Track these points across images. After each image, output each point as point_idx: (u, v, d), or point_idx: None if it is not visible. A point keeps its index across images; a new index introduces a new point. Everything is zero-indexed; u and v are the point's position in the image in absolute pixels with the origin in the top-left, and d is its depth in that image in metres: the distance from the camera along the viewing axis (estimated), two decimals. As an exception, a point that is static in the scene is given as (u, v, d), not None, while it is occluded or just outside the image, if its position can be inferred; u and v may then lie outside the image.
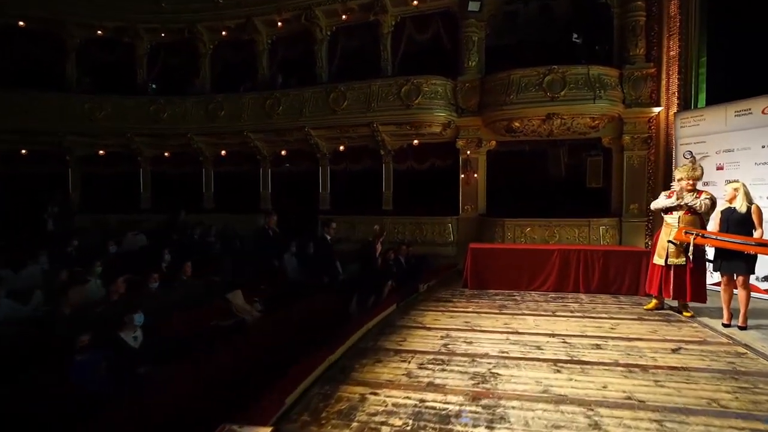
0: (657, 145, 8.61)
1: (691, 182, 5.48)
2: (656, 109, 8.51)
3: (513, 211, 9.26)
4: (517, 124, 8.79)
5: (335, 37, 10.63)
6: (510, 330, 4.94)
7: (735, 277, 5.02)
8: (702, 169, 5.61)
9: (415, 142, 9.65)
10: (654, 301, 5.90)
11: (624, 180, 8.76)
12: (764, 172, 6.54)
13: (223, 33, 11.37)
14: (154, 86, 11.75)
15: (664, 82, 8.49)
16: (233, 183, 11.96)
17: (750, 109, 6.75)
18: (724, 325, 5.06)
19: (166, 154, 11.70)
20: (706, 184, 7.31)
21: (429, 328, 5.01)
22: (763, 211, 4.99)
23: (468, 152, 9.45)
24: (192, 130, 11.04)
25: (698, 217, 5.48)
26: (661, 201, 5.70)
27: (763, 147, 6.58)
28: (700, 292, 5.51)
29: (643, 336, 4.69)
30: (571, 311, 5.93)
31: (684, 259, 5.45)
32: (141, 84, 11.82)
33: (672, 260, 5.56)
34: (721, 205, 5.23)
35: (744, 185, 5.06)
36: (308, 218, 10.54)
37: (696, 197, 5.40)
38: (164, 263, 6.87)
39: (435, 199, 10.00)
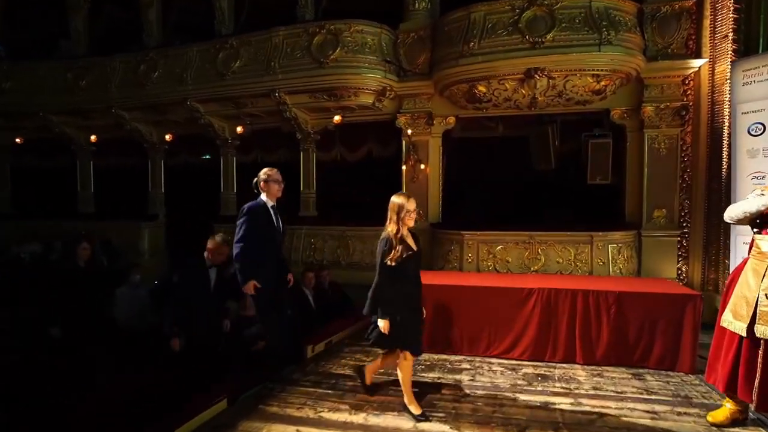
0: (697, 119, 5.60)
1: None
2: (696, 63, 5.50)
3: (478, 220, 6.28)
4: (482, 88, 5.78)
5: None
6: None
7: None
8: None
9: (337, 119, 6.62)
10: (727, 405, 2.97)
11: (645, 174, 5.76)
12: None
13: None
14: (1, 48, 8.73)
15: (708, 21, 5.48)
16: (117, 180, 8.99)
17: None
18: None
19: (18, 140, 8.68)
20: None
21: None
22: None
23: (411, 133, 6.44)
24: (46, 107, 8.04)
25: None
26: (753, 203, 2.79)
27: None
28: None
29: None
30: (559, 419, 3.03)
31: None
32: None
33: (765, 330, 2.66)
34: None
35: None
36: (205, 228, 7.58)
37: None
38: None
39: (371, 201, 7.00)
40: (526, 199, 6.51)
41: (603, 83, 5.52)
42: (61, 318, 4.35)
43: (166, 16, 8.24)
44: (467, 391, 3.59)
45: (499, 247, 5.73)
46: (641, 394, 3.56)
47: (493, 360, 4.25)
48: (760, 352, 2.66)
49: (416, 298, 3.22)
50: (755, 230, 2.81)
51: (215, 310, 4.04)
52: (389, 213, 3.01)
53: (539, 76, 5.38)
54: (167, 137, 7.93)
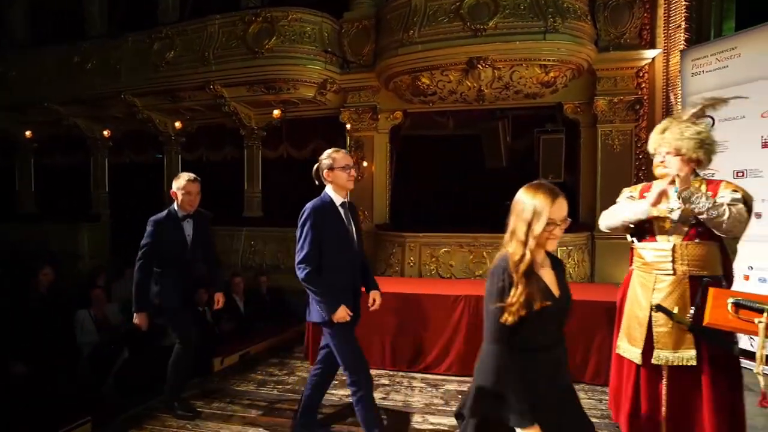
0: (652, 113, 5.25)
1: (689, 159, 2.19)
2: (650, 53, 5.17)
3: (427, 221, 5.90)
4: (425, 80, 5.41)
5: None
6: None
7: None
8: (707, 127, 2.27)
9: (276, 113, 6.19)
10: None
11: (599, 171, 5.40)
12: None
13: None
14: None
15: (662, 10, 5.16)
16: (59, 179, 8.51)
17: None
18: None
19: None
20: (739, 175, 4.03)
21: None
22: None
23: (351, 128, 6.04)
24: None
25: (717, 246, 2.23)
26: (626, 208, 2.40)
27: None
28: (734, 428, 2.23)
29: None
30: None
31: (694, 351, 2.16)
32: None
33: (665, 355, 2.26)
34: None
35: None
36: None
37: (705, 195, 2.12)
38: None
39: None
40: (477, 199, 6.13)
41: (552, 75, 5.17)
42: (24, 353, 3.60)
43: (111, 7, 7.82)
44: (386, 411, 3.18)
45: (443, 250, 5.33)
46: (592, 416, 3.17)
47: (417, 375, 3.84)
48: (663, 384, 2.26)
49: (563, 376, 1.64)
50: (632, 239, 2.42)
51: (192, 278, 3.15)
52: (512, 221, 1.53)
53: (482, 66, 5.01)
54: (105, 133, 7.46)
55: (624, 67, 5.29)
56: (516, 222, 1.49)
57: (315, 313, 2.49)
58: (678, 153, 2.20)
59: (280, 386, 3.65)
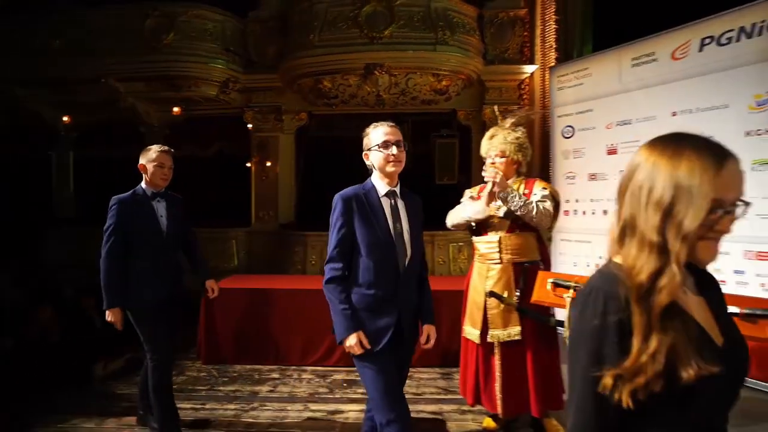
0: (531, 122, 5.86)
1: (511, 161, 2.60)
2: (529, 69, 5.76)
3: (326, 221, 6.05)
4: (327, 83, 5.58)
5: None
6: None
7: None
8: (523, 134, 2.72)
9: (176, 110, 6.06)
10: (488, 419, 2.90)
11: (487, 174, 5.89)
12: (679, 155, 3.85)
13: None
14: None
15: (539, 30, 5.77)
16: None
17: (653, 54, 4.07)
18: None
19: None
20: (593, 177, 4.61)
21: None
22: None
23: (253, 128, 6.06)
24: None
25: (534, 236, 2.65)
26: (467, 208, 2.73)
27: (675, 114, 3.91)
28: (553, 392, 2.62)
29: None
30: (336, 428, 2.78)
31: (519, 328, 2.53)
32: None
33: (496, 333, 2.62)
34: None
35: None
36: (31, 231, 6.56)
37: (518, 194, 2.50)
38: None
39: (222, 201, 6.52)
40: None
41: (444, 83, 5.57)
42: None
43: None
44: (255, 404, 3.26)
45: (344, 248, 5.52)
46: (439, 394, 3.48)
47: (308, 368, 3.98)
48: (495, 358, 2.62)
49: None
50: (472, 233, 2.79)
51: (171, 271, 2.61)
52: (624, 207, 0.81)
53: (379, 72, 5.28)
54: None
55: (508, 79, 5.84)
56: (634, 208, 0.78)
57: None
58: (503, 155, 2.58)
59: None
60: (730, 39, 3.54)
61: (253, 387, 3.58)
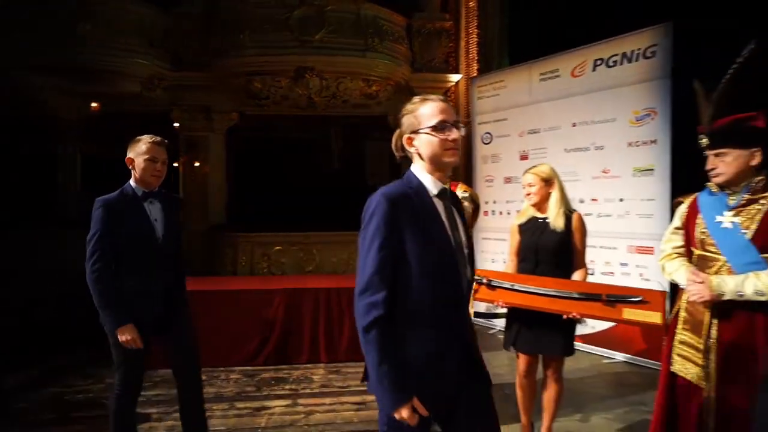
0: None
1: None
2: (454, 78, 6.14)
3: (262, 221, 6.05)
4: (257, 84, 5.58)
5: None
6: None
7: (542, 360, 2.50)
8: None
9: (94, 105, 5.77)
10: None
11: (416, 176, 6.19)
12: (577, 163, 4.35)
13: None
14: None
15: (463, 42, 6.16)
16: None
17: (557, 71, 4.55)
18: None
19: None
20: (507, 181, 5.02)
21: None
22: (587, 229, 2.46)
23: (180, 126, 5.93)
24: None
25: None
26: None
27: (574, 125, 4.40)
28: None
29: None
30: (262, 424, 2.78)
31: None
32: None
33: None
34: (521, 215, 2.58)
35: (557, 174, 2.50)
36: None
37: None
38: None
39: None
40: (312, 200, 6.50)
41: (374, 88, 5.78)
42: None
43: None
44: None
45: (276, 248, 5.57)
46: (364, 386, 3.66)
47: (236, 368, 4.00)
48: None
49: None
50: None
51: (169, 282, 2.23)
52: None
53: (310, 75, 5.39)
54: None
55: (435, 87, 6.15)
56: None
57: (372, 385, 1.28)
58: None
59: (81, 395, 3.47)
60: (615, 62, 4.06)
61: (175, 390, 3.54)
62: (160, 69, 5.72)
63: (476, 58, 5.86)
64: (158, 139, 2.19)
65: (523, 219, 2.48)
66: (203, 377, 3.76)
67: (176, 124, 5.85)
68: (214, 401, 3.34)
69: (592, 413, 3.11)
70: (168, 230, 2.20)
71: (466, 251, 1.38)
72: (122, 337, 2.03)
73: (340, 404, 3.30)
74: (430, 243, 1.29)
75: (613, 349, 4.13)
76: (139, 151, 2.12)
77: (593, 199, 4.19)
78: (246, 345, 4.04)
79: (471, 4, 6.03)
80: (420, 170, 1.37)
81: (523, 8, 5.82)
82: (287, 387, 3.61)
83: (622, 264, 4.03)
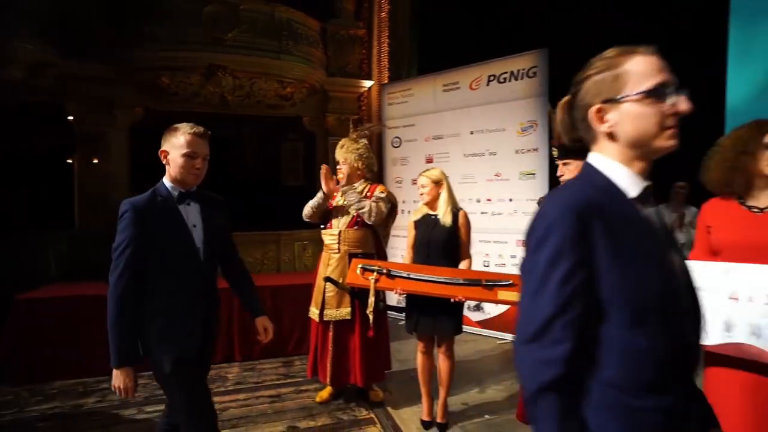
0: (379, 132, 6.54)
1: (353, 167, 3.13)
2: (367, 83, 6.42)
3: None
4: (165, 79, 5.38)
5: None
6: None
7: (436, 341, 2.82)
8: (364, 145, 3.25)
9: (-33, 93, 5.13)
10: (328, 387, 3.33)
11: (332, 176, 6.37)
12: (474, 167, 4.86)
13: None
14: None
15: (375, 50, 6.47)
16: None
17: (458, 83, 5.04)
18: (424, 424, 2.83)
19: None
20: (414, 182, 5.37)
21: None
22: (472, 225, 2.85)
23: (74, 119, 5.52)
24: None
25: (370, 232, 3.17)
26: (315, 199, 3.22)
27: (472, 133, 4.91)
28: (376, 368, 3.22)
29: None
30: None
31: (349, 309, 3.02)
32: None
33: (330, 313, 3.08)
34: (416, 213, 2.92)
35: (446, 177, 2.86)
36: None
37: (356, 193, 3.06)
38: None
39: (36, 202, 5.72)
40: (226, 200, 6.38)
41: (289, 90, 5.86)
42: None
43: None
44: (78, 417, 3.12)
45: (187, 249, 5.40)
46: (279, 380, 3.77)
47: (146, 374, 3.85)
48: (330, 333, 3.08)
49: None
50: (321, 226, 3.27)
51: (210, 304, 1.88)
52: None
53: (222, 74, 5.32)
54: None
55: (348, 92, 6.40)
56: None
57: None
58: (346, 162, 3.06)
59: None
60: (506, 78, 4.62)
61: (77, 401, 3.38)
62: (50, 56, 5.25)
63: (387, 66, 6.20)
64: (200, 129, 1.82)
65: (417, 216, 2.83)
66: (106, 385, 3.63)
67: (70, 117, 5.40)
68: (120, 407, 3.25)
69: (486, 387, 3.55)
70: (209, 239, 1.81)
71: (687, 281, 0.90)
72: (116, 381, 1.67)
73: (255, 398, 3.39)
74: (646, 273, 0.83)
75: (508, 332, 4.68)
76: (176, 144, 1.77)
77: (488, 199, 4.72)
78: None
79: (383, 14, 6.36)
80: (612, 160, 0.90)
81: (431, 22, 6.28)
82: (200, 387, 3.60)
83: (512, 256, 4.59)
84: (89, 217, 5.49)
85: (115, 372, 1.67)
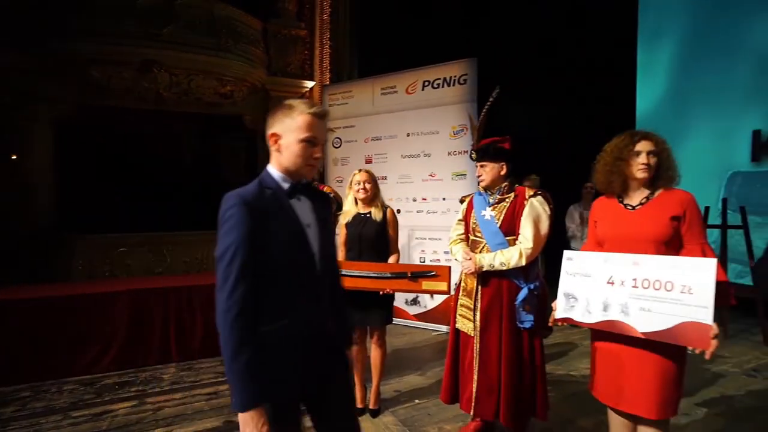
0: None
1: None
2: (309, 84, 6.50)
3: (103, 222, 5.59)
4: (96, 74, 5.17)
5: None
6: None
7: (369, 331, 3.00)
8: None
9: None
10: None
11: (274, 175, 6.39)
12: (411, 167, 5.10)
13: None
14: None
15: (317, 51, 6.56)
16: None
17: (395, 87, 5.25)
18: (357, 411, 2.95)
19: None
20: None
21: None
22: (402, 222, 3.04)
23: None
24: None
25: None
26: None
27: (408, 135, 5.14)
28: None
29: None
30: (104, 427, 2.80)
31: None
32: None
33: None
34: (346, 215, 3.05)
35: (372, 175, 3.00)
36: None
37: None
38: None
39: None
40: (162, 199, 6.22)
41: (228, 88, 5.82)
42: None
43: None
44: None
45: (120, 250, 5.23)
46: (216, 378, 3.78)
47: (72, 379, 3.75)
48: None
49: None
50: None
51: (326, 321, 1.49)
52: None
53: (157, 69, 5.20)
54: None
55: (290, 91, 6.44)
56: None
57: None
58: None
59: None
60: (439, 84, 4.89)
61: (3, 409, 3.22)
62: (-39, 45, 4.88)
63: (329, 67, 6.31)
64: (321, 110, 1.42)
65: (348, 218, 2.96)
66: (27, 393, 3.50)
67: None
68: (42, 414, 3.13)
69: (417, 374, 3.77)
70: (324, 241, 1.45)
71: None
72: (245, 428, 1.23)
73: (192, 396, 3.40)
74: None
75: (441, 324, 4.95)
76: (291, 126, 1.37)
77: (423, 198, 4.97)
78: (84, 353, 3.80)
79: (325, 17, 6.46)
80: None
81: (371, 26, 6.46)
82: (133, 389, 3.54)
83: (445, 252, 4.87)
84: (9, 217, 5.15)
85: (242, 417, 1.24)
